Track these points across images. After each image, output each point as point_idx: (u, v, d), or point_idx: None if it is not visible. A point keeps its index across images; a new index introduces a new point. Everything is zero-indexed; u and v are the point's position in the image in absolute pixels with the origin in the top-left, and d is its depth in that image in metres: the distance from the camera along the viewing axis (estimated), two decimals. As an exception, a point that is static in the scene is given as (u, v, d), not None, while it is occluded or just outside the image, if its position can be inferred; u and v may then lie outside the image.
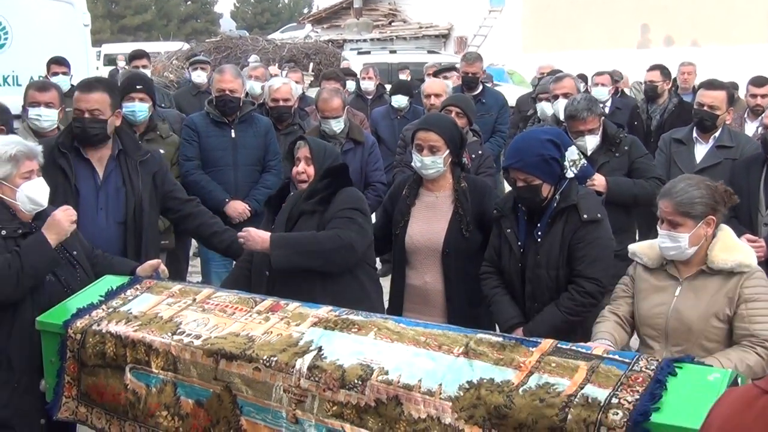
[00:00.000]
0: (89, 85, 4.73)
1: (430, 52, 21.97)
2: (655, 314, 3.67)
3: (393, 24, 30.27)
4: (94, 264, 4.06)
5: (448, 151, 4.49)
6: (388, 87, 10.47)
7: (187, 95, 9.77)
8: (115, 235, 4.66)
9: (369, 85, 10.58)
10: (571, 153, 4.13)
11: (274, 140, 6.44)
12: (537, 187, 4.07)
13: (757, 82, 8.01)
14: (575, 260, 4.10)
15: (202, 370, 3.30)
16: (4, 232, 3.67)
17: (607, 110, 8.41)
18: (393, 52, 20.68)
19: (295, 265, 4.07)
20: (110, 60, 33.78)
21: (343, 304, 3.61)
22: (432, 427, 2.87)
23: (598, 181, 5.07)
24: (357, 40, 27.08)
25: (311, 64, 19.52)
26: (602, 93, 8.70)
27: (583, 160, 4.21)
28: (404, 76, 13.24)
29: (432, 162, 4.48)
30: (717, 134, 5.82)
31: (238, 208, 6.14)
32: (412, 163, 4.60)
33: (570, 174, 4.11)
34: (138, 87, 5.88)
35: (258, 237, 4.14)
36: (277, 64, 17.79)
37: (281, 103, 6.82)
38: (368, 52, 20.59)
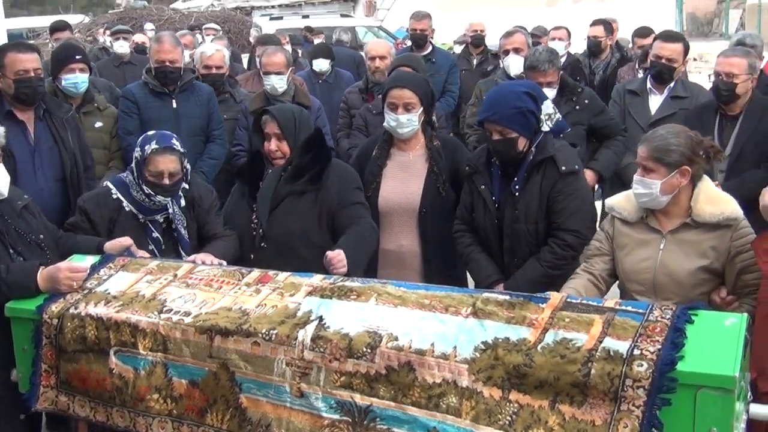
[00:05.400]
0: (24, 46, 4.96)
1: (343, 15, 21.70)
2: (642, 269, 3.62)
3: (300, -13, 29.76)
4: (58, 245, 3.84)
5: (422, 109, 4.39)
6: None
7: (110, 66, 9.34)
8: (55, 192, 4.85)
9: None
10: (547, 107, 4.07)
11: (216, 109, 6.19)
12: (513, 140, 3.99)
13: (641, 33, 8.42)
14: (554, 213, 4.04)
15: (195, 349, 3.13)
16: None
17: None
18: (306, 17, 20.32)
19: (361, 266, 3.96)
20: (11, 35, 32.37)
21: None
22: (448, 391, 2.78)
23: (590, 178, 5.17)
24: (265, 7, 26.51)
25: (220, 33, 19.04)
26: (559, 48, 8.72)
27: (558, 115, 4.14)
28: (318, 41, 12.99)
29: (408, 120, 4.37)
30: (671, 85, 5.82)
31: (186, 180, 5.89)
32: (385, 123, 4.47)
33: (545, 127, 4.05)
34: (77, 57, 5.59)
35: (340, 260, 3.67)
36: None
37: (214, 70, 6.54)
38: (280, 18, 20.22)
